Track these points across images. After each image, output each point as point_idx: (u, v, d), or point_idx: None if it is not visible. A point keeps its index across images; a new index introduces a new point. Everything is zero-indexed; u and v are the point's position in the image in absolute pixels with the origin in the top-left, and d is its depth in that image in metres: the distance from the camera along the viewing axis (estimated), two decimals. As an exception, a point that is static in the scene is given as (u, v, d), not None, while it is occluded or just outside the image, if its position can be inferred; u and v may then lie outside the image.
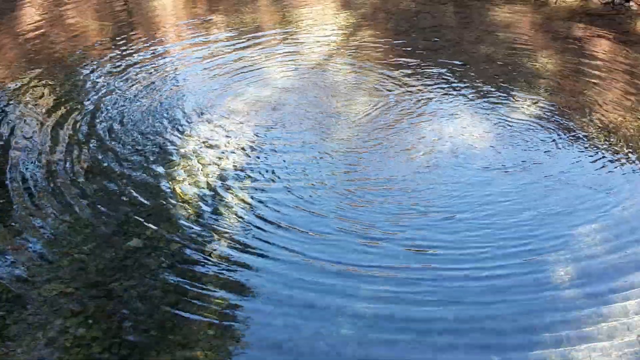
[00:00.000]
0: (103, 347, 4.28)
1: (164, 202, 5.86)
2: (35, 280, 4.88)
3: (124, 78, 8.59)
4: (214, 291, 4.82)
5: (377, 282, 4.92)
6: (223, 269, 5.04)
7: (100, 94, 8.11)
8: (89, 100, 7.96)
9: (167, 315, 4.58)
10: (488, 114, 7.45)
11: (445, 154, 6.63)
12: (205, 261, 5.13)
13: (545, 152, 6.65)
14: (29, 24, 11.00)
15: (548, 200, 5.84)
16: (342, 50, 9.55)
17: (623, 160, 6.46)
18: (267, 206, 5.80)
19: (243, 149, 6.76)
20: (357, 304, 4.69)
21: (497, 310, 4.65)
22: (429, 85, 8.21)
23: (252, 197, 5.93)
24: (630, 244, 5.29)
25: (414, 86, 8.18)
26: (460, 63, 8.93)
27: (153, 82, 8.45)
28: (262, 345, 4.40)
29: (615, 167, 6.35)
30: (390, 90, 8.07)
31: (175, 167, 6.41)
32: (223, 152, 6.68)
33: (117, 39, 10.20)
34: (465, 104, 7.74)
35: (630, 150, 6.62)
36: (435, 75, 8.50)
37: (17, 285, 4.84)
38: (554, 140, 6.88)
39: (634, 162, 6.42)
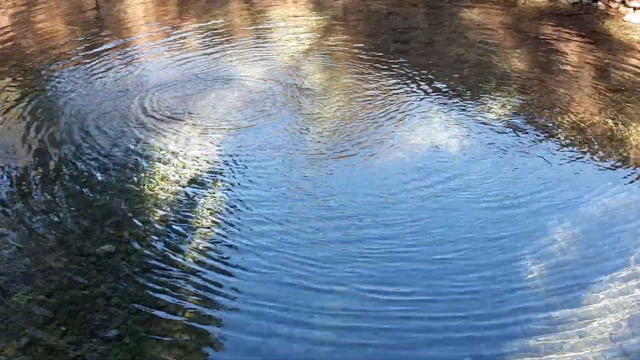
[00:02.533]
0: (77, 353, 4.23)
1: (137, 206, 5.81)
2: (6, 288, 4.81)
3: (93, 81, 8.53)
4: (188, 296, 4.79)
5: (352, 280, 4.93)
6: (197, 273, 5.01)
7: (69, 97, 8.04)
8: (57, 103, 7.89)
9: (141, 320, 4.54)
10: (459, 114, 7.49)
11: (415, 155, 6.66)
12: (180, 265, 5.09)
13: (519, 151, 6.70)
14: (-3, 29, 10.89)
15: (519, 200, 5.89)
16: (314, 51, 9.57)
17: (593, 158, 6.53)
18: (241, 209, 5.78)
19: (216, 151, 6.73)
20: (333, 302, 4.71)
21: (469, 305, 4.69)
22: (400, 86, 8.24)
23: (226, 200, 5.91)
24: (599, 239, 5.36)
25: (386, 87, 8.21)
26: (431, 63, 8.98)
27: (124, 85, 8.39)
28: (237, 349, 4.38)
29: (585, 164, 6.43)
30: (361, 92, 8.08)
31: (147, 171, 6.36)
32: (195, 155, 6.64)
33: (86, 42, 10.12)
34: (436, 104, 7.77)
35: (599, 147, 6.70)
36: (407, 76, 8.53)
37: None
38: (524, 139, 6.94)
39: (603, 159, 6.50)
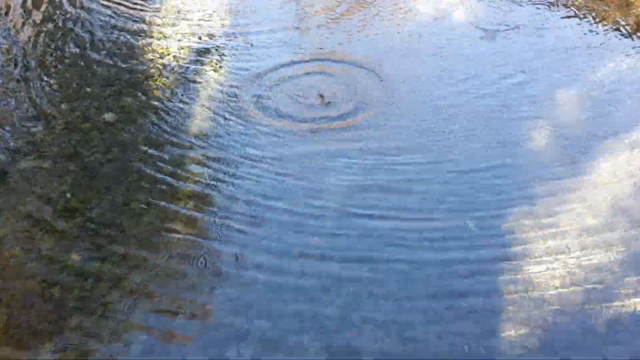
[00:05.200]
0: (82, 218, 4.27)
1: (140, 74, 5.74)
2: (14, 155, 4.81)
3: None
4: (192, 166, 4.79)
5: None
6: (200, 144, 5.00)
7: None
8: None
9: (145, 188, 4.55)
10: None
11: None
12: (183, 136, 5.07)
13: (531, 21, 6.53)
14: None
15: (525, 69, 5.78)
16: None
17: (606, 24, 6.36)
18: (245, 73, 5.72)
19: (220, 17, 6.61)
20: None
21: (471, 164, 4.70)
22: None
23: (227, 73, 5.83)
24: (607, 106, 5.29)
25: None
26: None
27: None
28: (243, 217, 4.40)
29: (598, 31, 6.28)
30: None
31: (150, 38, 6.25)
32: (199, 22, 6.52)
33: None
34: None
35: (613, 12, 6.51)
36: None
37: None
38: (539, 7, 6.75)
39: (616, 25, 6.33)
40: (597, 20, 6.46)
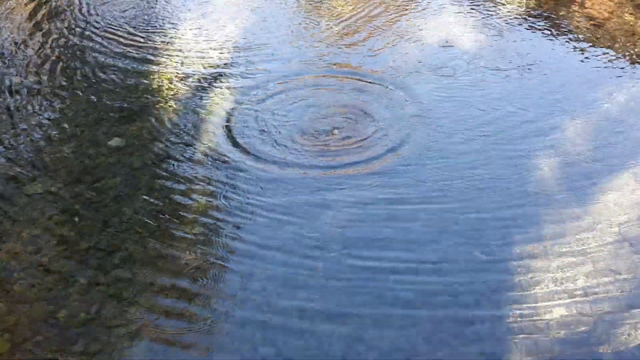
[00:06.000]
0: (88, 244, 4.29)
1: (147, 101, 5.78)
2: (20, 179, 4.84)
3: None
4: (199, 189, 4.81)
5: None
6: (208, 167, 5.02)
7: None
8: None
9: (152, 212, 4.57)
10: (472, 8, 7.33)
11: (432, 46, 6.56)
12: (190, 160, 5.10)
13: (532, 47, 6.57)
14: None
15: (530, 96, 5.81)
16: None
17: (609, 53, 6.39)
18: (250, 104, 5.74)
19: (228, 47, 6.65)
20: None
21: (478, 199, 4.69)
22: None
23: (236, 97, 5.86)
24: (612, 136, 5.30)
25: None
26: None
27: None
28: (251, 235, 4.41)
29: (601, 60, 6.30)
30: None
31: (159, 66, 6.30)
32: (207, 52, 6.57)
33: None
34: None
35: (616, 42, 6.55)
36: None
37: (1, 184, 4.80)
38: (538, 34, 6.79)
39: (619, 55, 6.36)
40: (602, 50, 6.50)
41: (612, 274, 4.05)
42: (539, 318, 3.77)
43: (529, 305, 3.85)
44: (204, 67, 6.28)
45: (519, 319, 3.76)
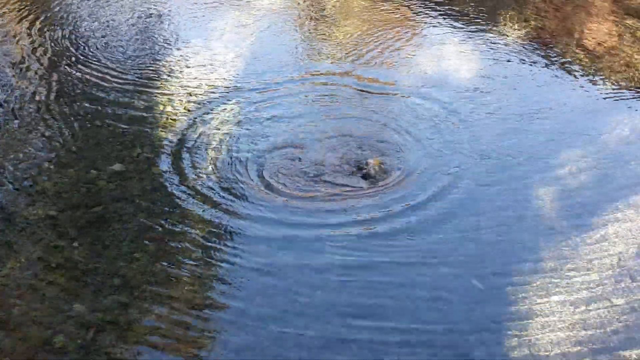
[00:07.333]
0: (87, 267, 4.28)
1: (147, 127, 5.81)
2: (19, 203, 4.84)
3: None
4: (199, 215, 4.81)
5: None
6: (208, 193, 5.03)
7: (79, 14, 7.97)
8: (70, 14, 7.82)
9: (152, 237, 4.57)
10: (475, 39, 7.38)
11: (432, 79, 6.60)
12: (191, 185, 5.11)
13: (531, 80, 6.62)
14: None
15: (530, 127, 5.84)
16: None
17: (608, 86, 6.44)
18: (250, 132, 5.77)
19: (229, 71, 6.69)
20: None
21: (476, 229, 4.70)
22: (417, 12, 8.10)
23: (239, 121, 5.89)
24: (611, 168, 5.32)
25: (401, 14, 8.07)
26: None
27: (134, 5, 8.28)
28: (249, 262, 4.41)
29: (600, 93, 6.35)
30: (378, 18, 7.96)
31: (160, 91, 6.33)
32: (208, 76, 6.61)
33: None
34: (452, 29, 7.64)
35: (615, 75, 6.59)
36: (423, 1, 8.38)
37: (0, 207, 4.81)
38: (538, 66, 6.83)
39: (618, 87, 6.40)
40: (601, 80, 6.54)
41: (610, 305, 4.04)
42: (537, 347, 3.76)
43: (527, 334, 3.84)
44: (209, 94, 6.31)
45: (517, 350, 3.76)
